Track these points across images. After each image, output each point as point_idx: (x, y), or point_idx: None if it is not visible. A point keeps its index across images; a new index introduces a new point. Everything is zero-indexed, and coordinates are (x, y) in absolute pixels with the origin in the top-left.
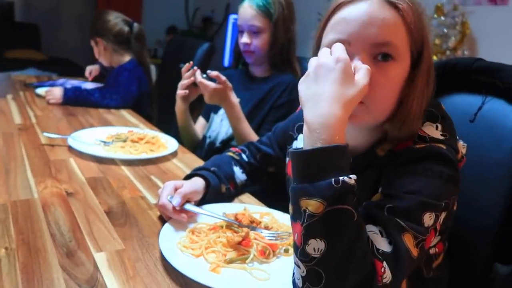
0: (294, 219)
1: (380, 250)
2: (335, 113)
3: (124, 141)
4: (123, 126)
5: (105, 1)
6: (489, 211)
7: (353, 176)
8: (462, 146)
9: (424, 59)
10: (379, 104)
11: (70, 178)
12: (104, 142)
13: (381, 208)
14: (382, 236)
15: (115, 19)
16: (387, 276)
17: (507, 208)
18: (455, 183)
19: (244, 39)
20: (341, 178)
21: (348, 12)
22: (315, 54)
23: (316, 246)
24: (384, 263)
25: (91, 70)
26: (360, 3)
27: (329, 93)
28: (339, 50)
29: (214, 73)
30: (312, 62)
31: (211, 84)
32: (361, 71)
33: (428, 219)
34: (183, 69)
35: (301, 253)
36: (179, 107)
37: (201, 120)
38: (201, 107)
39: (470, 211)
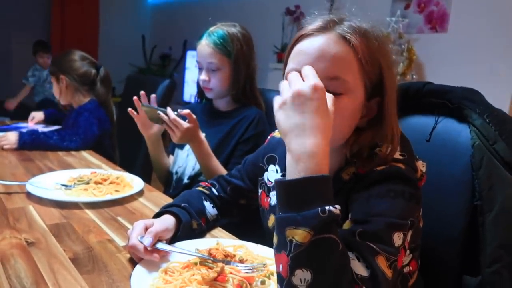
0: (278, 249)
1: (359, 275)
2: (320, 143)
3: (87, 183)
4: (85, 168)
5: (59, 41)
6: (453, 225)
7: (338, 206)
8: (421, 164)
9: (387, 87)
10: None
11: (30, 227)
12: (66, 185)
13: (353, 234)
14: (359, 261)
15: (82, 60)
16: None
17: (468, 220)
18: (417, 201)
19: (203, 76)
20: (327, 207)
21: (305, 45)
22: (284, 79)
23: (302, 276)
24: None
25: (34, 116)
26: (317, 37)
27: (312, 123)
28: (313, 76)
29: (185, 111)
30: (285, 88)
31: (184, 124)
32: (329, 100)
33: (397, 239)
34: (136, 100)
35: (287, 285)
36: (147, 137)
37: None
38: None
39: (436, 226)
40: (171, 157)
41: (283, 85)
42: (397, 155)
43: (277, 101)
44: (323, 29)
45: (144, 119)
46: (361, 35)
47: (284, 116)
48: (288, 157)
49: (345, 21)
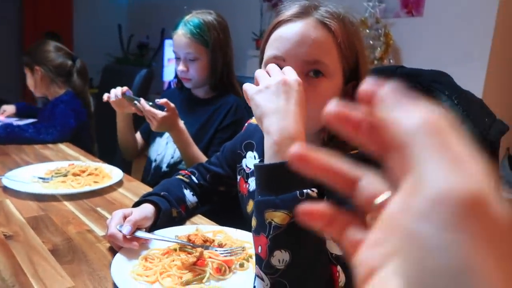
0: (257, 232)
1: (334, 254)
2: (301, 131)
3: (65, 175)
4: (62, 160)
5: (32, 34)
6: None
7: (315, 189)
8: None
9: (362, 71)
10: (309, 116)
11: (8, 220)
12: (43, 178)
13: None
14: (334, 241)
15: (57, 50)
16: (342, 279)
17: None
18: None
19: (181, 66)
20: (305, 191)
21: (284, 31)
22: (260, 66)
23: (281, 257)
24: (338, 267)
25: (5, 109)
26: (296, 22)
27: (296, 110)
28: (295, 73)
29: (162, 100)
30: (263, 76)
31: (160, 113)
32: None
33: None
34: (105, 97)
35: (266, 265)
36: (119, 112)
37: (137, 136)
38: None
39: None
40: (138, 134)
41: (261, 74)
42: None
43: (254, 87)
44: (302, 14)
45: (119, 101)
46: (339, 20)
47: (266, 99)
48: (267, 140)
49: (321, 6)
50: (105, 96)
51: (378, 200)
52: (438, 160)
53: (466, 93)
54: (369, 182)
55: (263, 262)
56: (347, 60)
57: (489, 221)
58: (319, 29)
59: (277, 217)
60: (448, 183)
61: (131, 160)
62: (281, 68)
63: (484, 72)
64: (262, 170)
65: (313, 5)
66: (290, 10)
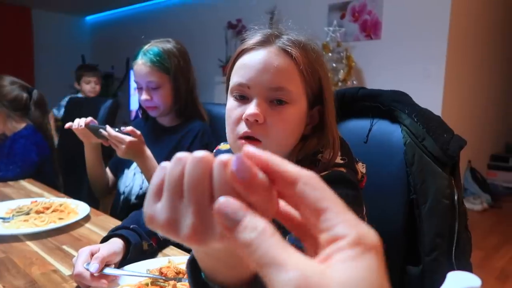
0: None
1: None
2: None
3: (27, 213)
4: (25, 197)
5: None
6: (394, 220)
7: None
8: (361, 166)
9: (326, 96)
10: (274, 142)
11: None
12: (3, 218)
13: None
14: None
15: (11, 84)
16: None
17: (407, 214)
18: (359, 203)
19: (144, 96)
20: None
21: (248, 59)
22: (227, 93)
23: None
24: None
25: None
26: (259, 51)
27: None
28: None
29: (128, 128)
30: None
31: (127, 137)
32: None
33: None
34: (67, 125)
35: None
36: (86, 144)
37: (107, 172)
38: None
39: (379, 223)
40: (107, 169)
41: None
42: (338, 159)
43: None
44: (264, 43)
45: (84, 130)
46: (300, 48)
47: None
48: None
49: (283, 34)
50: (68, 124)
51: None
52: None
53: (424, 111)
54: None
55: None
56: (310, 86)
57: None
58: (282, 57)
59: None
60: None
61: (101, 197)
62: (246, 95)
63: (441, 88)
64: None
65: (275, 33)
66: (253, 39)
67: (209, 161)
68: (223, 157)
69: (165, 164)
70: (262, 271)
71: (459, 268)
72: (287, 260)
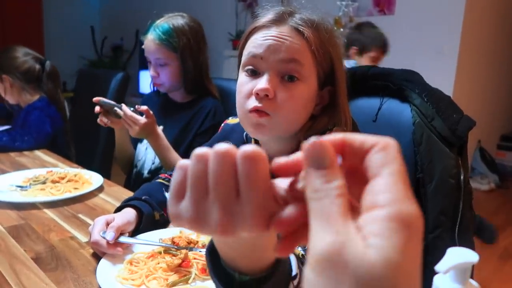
0: None
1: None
2: None
3: (44, 182)
4: (40, 167)
5: (1, 35)
6: None
7: None
8: None
9: (338, 77)
10: (283, 118)
11: None
12: (21, 187)
13: None
14: None
15: (24, 56)
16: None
17: (413, 193)
18: None
19: (151, 72)
20: None
21: (261, 36)
22: (238, 69)
23: None
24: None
25: None
26: (271, 28)
27: None
28: None
29: (143, 107)
30: None
31: (142, 119)
32: None
33: None
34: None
35: None
36: (116, 130)
37: None
38: None
39: None
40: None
41: None
42: None
43: None
44: (276, 21)
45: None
46: (312, 27)
47: None
48: None
49: (296, 13)
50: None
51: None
52: (320, 226)
53: (435, 91)
54: None
55: None
56: (321, 66)
57: (342, 267)
58: (294, 36)
59: None
60: (321, 244)
61: (128, 173)
62: (258, 70)
63: (454, 66)
64: None
65: (288, 11)
66: (265, 17)
67: (233, 154)
68: (247, 149)
69: (183, 163)
70: (310, 220)
71: (461, 246)
72: (339, 224)
